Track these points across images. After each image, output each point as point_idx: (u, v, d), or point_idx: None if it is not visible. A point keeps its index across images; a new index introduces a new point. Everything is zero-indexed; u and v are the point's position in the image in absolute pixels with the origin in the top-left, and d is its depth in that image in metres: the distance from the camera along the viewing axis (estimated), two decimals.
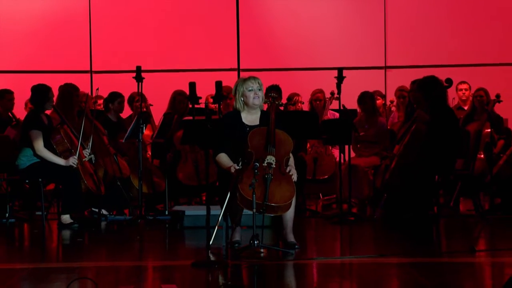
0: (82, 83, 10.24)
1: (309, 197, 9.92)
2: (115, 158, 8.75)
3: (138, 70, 8.44)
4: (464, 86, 10.18)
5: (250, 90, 6.47)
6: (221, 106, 6.95)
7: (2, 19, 12.00)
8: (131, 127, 8.76)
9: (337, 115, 9.53)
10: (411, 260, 5.90)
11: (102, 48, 12.07)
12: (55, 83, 8.82)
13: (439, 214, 8.17)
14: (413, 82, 8.75)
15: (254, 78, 6.52)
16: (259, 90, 6.49)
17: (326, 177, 9.68)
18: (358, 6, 12.12)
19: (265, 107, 6.65)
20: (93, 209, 8.51)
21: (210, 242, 6.18)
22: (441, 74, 8.44)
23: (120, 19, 12.09)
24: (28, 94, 8.49)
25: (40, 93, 8.17)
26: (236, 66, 12.04)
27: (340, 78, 8.17)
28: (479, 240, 7.34)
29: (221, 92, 6.50)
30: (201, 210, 7.56)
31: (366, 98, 9.43)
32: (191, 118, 8.06)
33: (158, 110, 9.78)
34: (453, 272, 5.51)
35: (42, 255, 6.80)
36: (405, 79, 9.95)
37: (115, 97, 9.35)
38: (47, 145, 8.06)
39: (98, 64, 12.06)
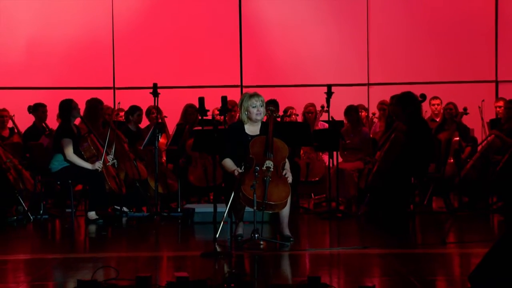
0: (106, 98, 10.22)
1: (302, 197, 9.91)
2: (135, 162, 8.75)
3: (155, 87, 8.44)
4: (437, 101, 10.16)
5: (253, 107, 6.45)
6: (226, 118, 6.95)
7: (38, 44, 12.03)
8: (148, 135, 8.76)
9: (326, 125, 9.54)
10: (390, 251, 5.89)
11: (123, 68, 12.08)
12: (82, 98, 8.84)
13: (414, 211, 8.16)
14: (392, 97, 8.75)
15: (258, 95, 6.49)
16: (261, 106, 6.47)
17: (317, 179, 9.66)
18: (345, 31, 12.12)
19: (265, 118, 6.65)
20: (115, 206, 8.50)
21: (217, 235, 6.18)
22: (416, 90, 8.44)
23: (139, 43, 12.10)
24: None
25: (64, 106, 8.20)
26: (239, 83, 12.05)
27: (329, 94, 8.19)
28: (449, 233, 7.32)
29: (226, 106, 6.49)
30: (209, 208, 7.54)
31: (352, 111, 9.43)
32: (200, 128, 8.06)
33: (172, 121, 9.78)
34: (427, 261, 5.51)
35: (71, 247, 6.80)
36: (385, 94, 9.95)
37: (134, 110, 9.35)
38: (76, 152, 8.06)
39: (120, 81, 12.07)
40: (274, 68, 12.09)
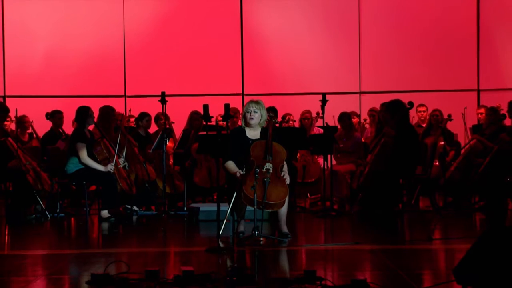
0: (118, 105, 10.23)
1: (299, 196, 9.89)
2: (144, 165, 8.74)
3: (163, 95, 8.44)
4: (423, 108, 10.17)
5: (247, 112, 6.48)
6: (229, 124, 6.95)
7: (55, 55, 12.06)
8: (157, 140, 8.75)
9: (321, 130, 9.54)
10: (380, 247, 5.88)
11: (133, 78, 12.10)
12: (96, 105, 8.82)
13: (403, 210, 8.15)
14: (382, 105, 8.74)
15: (252, 102, 6.50)
16: (255, 112, 6.46)
17: (312, 180, 9.66)
18: (338, 44, 12.14)
19: (265, 124, 6.65)
20: (126, 205, 8.49)
21: (220, 232, 6.17)
22: (405, 98, 8.44)
23: (148, 55, 12.12)
24: (74, 114, 8.49)
25: (81, 112, 8.19)
26: (240, 92, 12.06)
27: (324, 101, 8.18)
28: (435, 231, 7.32)
29: (229, 112, 6.49)
30: (213, 207, 7.54)
31: (345, 117, 9.42)
32: (204, 133, 8.06)
33: (179, 126, 9.79)
34: (414, 256, 5.50)
35: (86, 243, 6.79)
36: (376, 102, 9.95)
37: (144, 116, 9.36)
38: (90, 155, 8.06)
39: (130, 90, 12.09)
40: (273, 78, 12.10)
